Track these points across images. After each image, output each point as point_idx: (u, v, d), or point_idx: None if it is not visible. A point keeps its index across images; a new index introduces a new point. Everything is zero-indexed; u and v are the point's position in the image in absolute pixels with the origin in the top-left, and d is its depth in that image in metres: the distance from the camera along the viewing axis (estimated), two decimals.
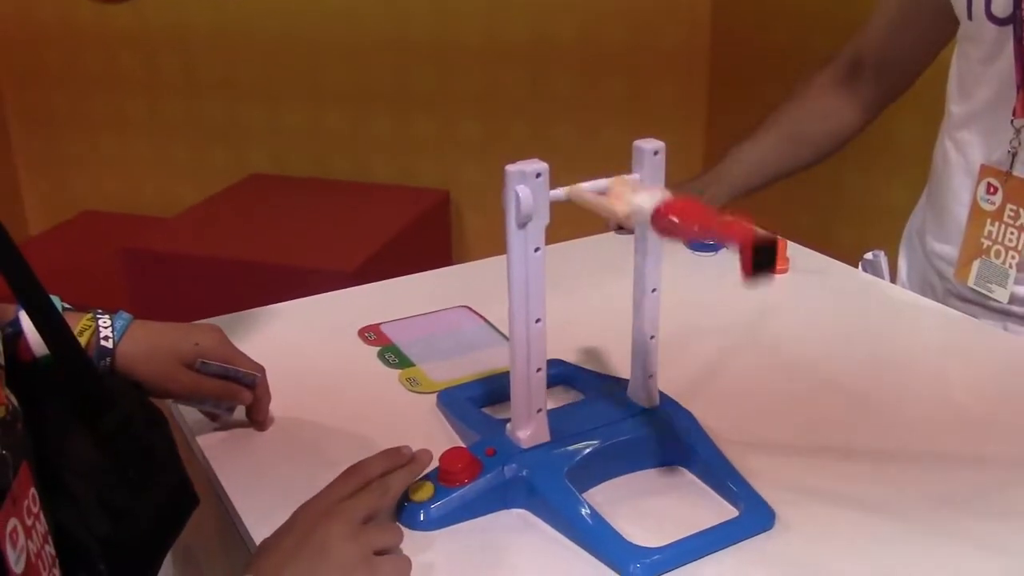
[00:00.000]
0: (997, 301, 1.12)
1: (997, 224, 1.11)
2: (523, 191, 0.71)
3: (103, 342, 0.80)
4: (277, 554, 0.68)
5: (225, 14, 2.89)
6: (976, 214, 1.13)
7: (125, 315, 0.83)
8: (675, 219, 0.67)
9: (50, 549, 0.59)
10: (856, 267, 1.29)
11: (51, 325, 0.67)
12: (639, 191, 0.71)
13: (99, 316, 0.81)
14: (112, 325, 0.81)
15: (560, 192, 0.73)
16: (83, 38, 3.05)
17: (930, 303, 1.18)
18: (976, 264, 1.13)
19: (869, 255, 1.30)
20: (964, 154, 1.15)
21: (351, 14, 2.80)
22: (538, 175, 0.71)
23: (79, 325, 0.80)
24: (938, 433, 0.90)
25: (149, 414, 0.75)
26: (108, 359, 0.80)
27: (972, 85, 1.13)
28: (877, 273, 1.28)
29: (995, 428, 0.91)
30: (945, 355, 1.05)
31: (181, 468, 0.75)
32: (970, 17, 1.10)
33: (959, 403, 0.95)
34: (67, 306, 0.82)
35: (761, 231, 0.67)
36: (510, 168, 0.71)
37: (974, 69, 1.13)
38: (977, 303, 1.15)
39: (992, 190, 1.11)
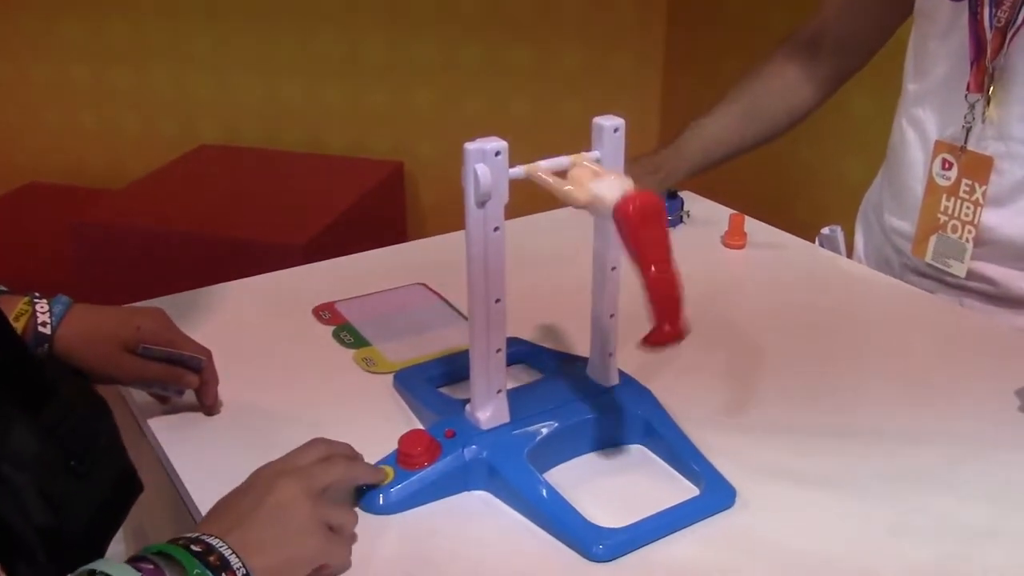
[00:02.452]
0: (955, 276, 1.13)
1: (953, 199, 1.11)
2: (482, 170, 0.70)
3: (40, 328, 0.77)
4: (230, 514, 0.67)
5: None
6: (932, 189, 1.13)
7: (64, 299, 0.80)
8: (630, 226, 0.65)
9: None
10: (813, 242, 1.29)
11: None
12: (600, 177, 0.69)
13: (36, 300, 0.79)
14: (50, 310, 0.79)
15: (519, 171, 0.72)
16: (25, 3, 2.96)
17: (887, 278, 1.18)
18: (933, 239, 1.14)
19: (826, 230, 1.31)
20: (920, 130, 1.15)
21: None
22: (497, 153, 0.70)
23: (15, 310, 0.77)
24: (895, 409, 0.91)
25: (91, 402, 0.73)
26: (46, 345, 0.78)
27: (928, 62, 1.14)
28: (834, 248, 1.29)
29: (951, 404, 0.91)
30: (902, 330, 1.06)
31: (124, 455, 0.73)
32: None
33: (916, 379, 0.96)
34: (3, 289, 0.79)
35: (680, 321, 0.67)
36: (469, 146, 0.70)
37: (929, 46, 1.13)
38: (934, 278, 1.16)
39: (947, 165, 1.11)
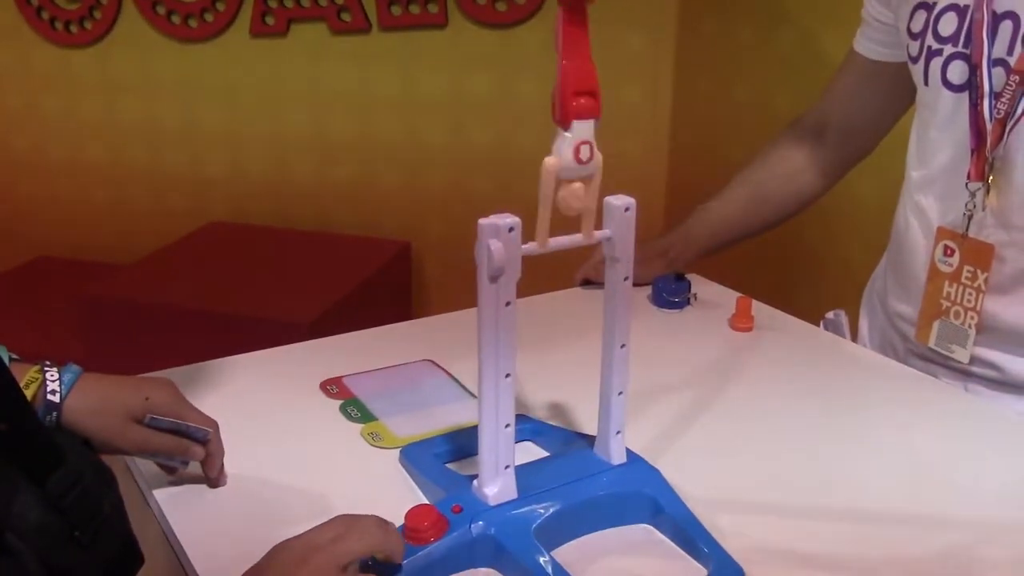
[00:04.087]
0: (958, 362, 1.13)
1: (955, 285, 1.12)
2: (495, 245, 0.71)
3: (50, 396, 0.78)
4: None
5: (188, 62, 2.89)
6: (934, 275, 1.15)
7: (74, 368, 0.81)
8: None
9: None
10: (817, 326, 1.30)
11: None
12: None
13: (47, 369, 0.79)
14: (60, 378, 0.79)
15: (533, 247, 0.73)
16: (43, 82, 3.03)
17: (891, 362, 1.19)
18: (936, 325, 1.15)
19: (830, 314, 1.32)
20: (922, 217, 1.17)
21: (314, 64, 2.81)
22: (511, 229, 0.71)
23: (26, 377, 0.78)
24: (903, 493, 0.90)
25: (98, 472, 0.73)
26: (55, 413, 0.78)
27: (930, 150, 1.16)
28: (838, 332, 1.30)
29: (957, 489, 0.91)
30: (907, 414, 1.06)
31: (127, 526, 0.73)
32: (926, 83, 1.13)
33: (923, 464, 0.96)
34: (14, 356, 0.80)
35: None
36: (483, 222, 0.71)
37: (931, 135, 1.15)
38: (938, 363, 1.16)
39: (949, 252, 1.13)
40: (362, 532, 0.71)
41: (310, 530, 0.72)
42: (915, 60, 1.14)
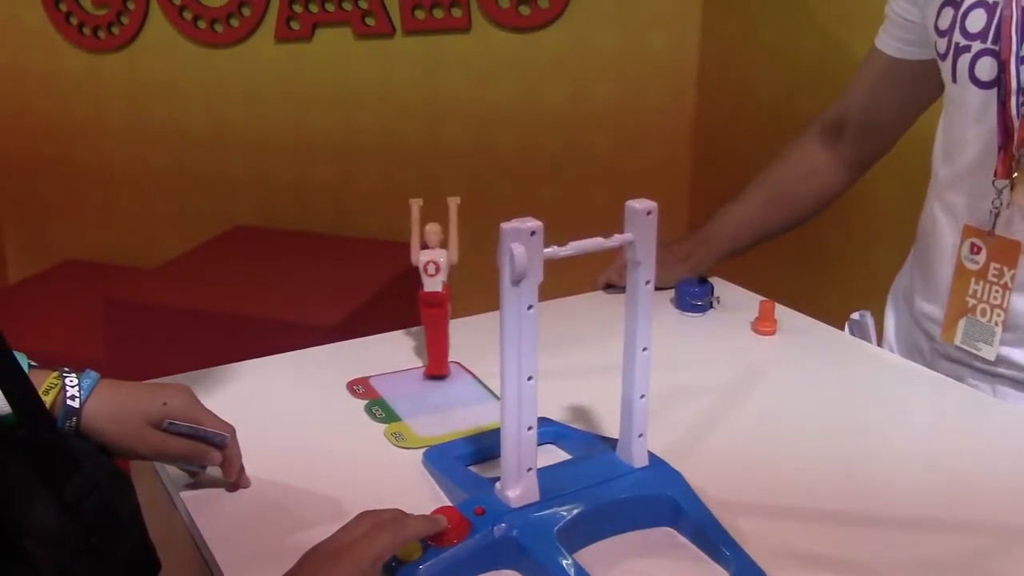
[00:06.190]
0: (984, 359, 1.12)
1: (982, 283, 1.12)
2: (518, 249, 0.71)
3: (69, 401, 0.79)
4: None
5: (214, 67, 2.91)
6: (961, 273, 1.14)
7: (92, 374, 0.82)
8: None
9: None
10: (841, 327, 1.30)
11: (13, 383, 0.66)
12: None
13: (66, 374, 0.80)
14: (79, 384, 0.80)
15: (555, 251, 0.73)
16: (71, 86, 3.06)
17: (917, 367, 1.18)
18: (962, 323, 1.14)
19: (856, 315, 1.31)
20: (950, 215, 1.16)
21: (339, 69, 2.82)
22: (533, 233, 0.72)
23: (45, 383, 0.79)
24: (926, 497, 0.90)
25: (114, 478, 0.73)
26: (74, 419, 0.79)
27: (957, 147, 1.15)
28: (864, 333, 1.29)
29: (983, 493, 0.90)
30: (933, 419, 1.06)
31: (144, 533, 0.73)
32: (955, 80, 1.12)
33: (947, 468, 0.95)
34: (33, 364, 0.81)
35: None
36: (505, 226, 0.72)
37: (959, 132, 1.14)
38: (966, 364, 1.15)
39: (976, 250, 1.12)
40: (382, 531, 0.72)
41: (337, 531, 0.73)
42: (943, 57, 1.13)
